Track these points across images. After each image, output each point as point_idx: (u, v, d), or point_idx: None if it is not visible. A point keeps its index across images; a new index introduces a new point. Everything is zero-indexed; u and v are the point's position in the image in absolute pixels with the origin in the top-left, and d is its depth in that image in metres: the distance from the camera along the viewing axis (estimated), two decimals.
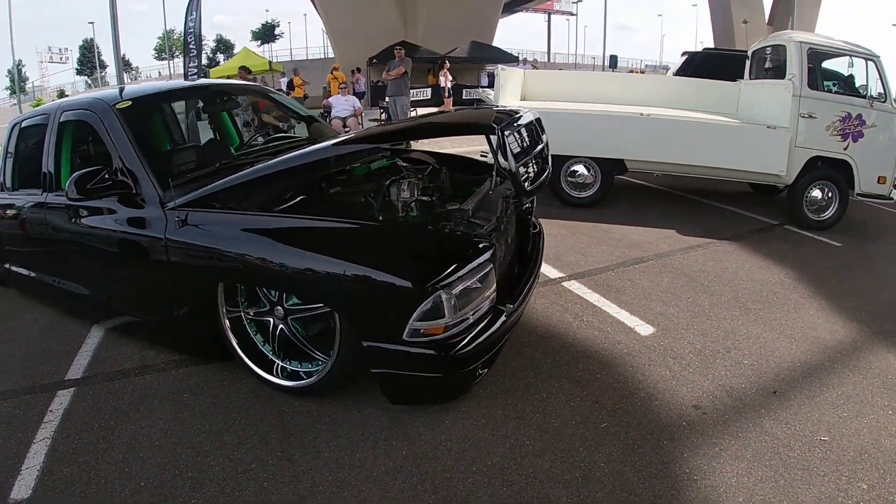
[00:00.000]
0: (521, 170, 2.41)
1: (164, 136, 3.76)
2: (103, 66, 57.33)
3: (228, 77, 20.30)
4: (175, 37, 55.53)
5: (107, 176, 2.66)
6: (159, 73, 48.09)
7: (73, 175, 2.64)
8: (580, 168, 5.90)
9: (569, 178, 5.94)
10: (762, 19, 34.20)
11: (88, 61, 49.14)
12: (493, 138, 2.25)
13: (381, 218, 2.48)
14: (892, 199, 5.58)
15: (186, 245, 2.53)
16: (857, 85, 5.65)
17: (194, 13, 10.12)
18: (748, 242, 5.08)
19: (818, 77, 5.57)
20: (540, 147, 2.71)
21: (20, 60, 41.55)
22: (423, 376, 2.20)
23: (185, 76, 10.45)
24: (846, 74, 5.84)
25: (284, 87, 16.42)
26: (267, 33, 55.61)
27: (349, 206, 2.67)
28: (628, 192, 6.96)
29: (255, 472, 2.18)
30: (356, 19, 21.88)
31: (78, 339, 3.38)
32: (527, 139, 2.62)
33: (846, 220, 5.66)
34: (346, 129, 9.68)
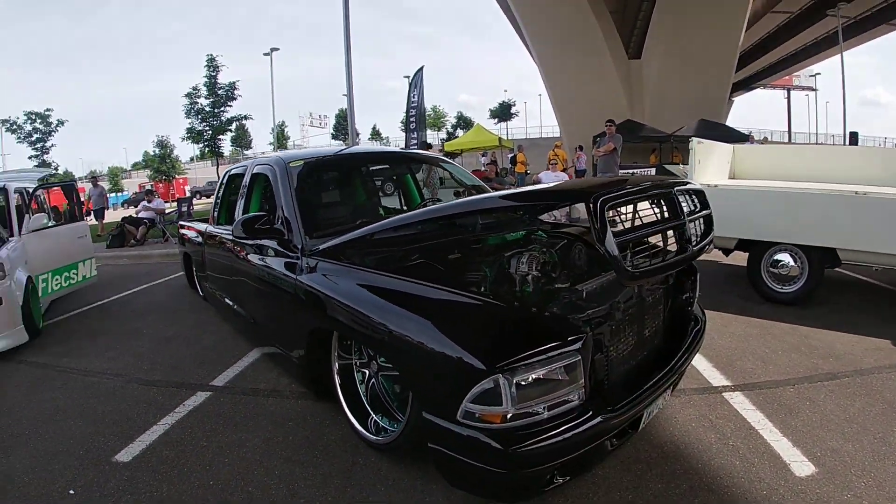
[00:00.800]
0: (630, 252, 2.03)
1: (322, 194, 3.90)
2: (357, 134, 69.05)
3: (461, 150, 23.19)
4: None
5: (267, 221, 3.06)
6: (402, 143, 55.70)
7: (241, 217, 3.11)
8: (785, 257, 4.81)
9: (770, 269, 4.89)
10: None
11: (343, 128, 58.84)
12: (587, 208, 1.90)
13: (483, 290, 2.22)
14: None
15: (310, 290, 2.71)
16: None
17: (416, 90, 11.46)
18: None
19: None
20: (675, 224, 2.25)
21: (283, 122, 52.10)
22: (480, 467, 1.89)
23: (406, 145, 11.77)
24: None
25: (509, 163, 17.47)
26: (503, 112, 59.52)
27: (462, 274, 2.41)
28: (843, 288, 5.47)
29: None
30: (581, 97, 22.36)
31: (237, 356, 3.97)
32: (654, 212, 2.27)
33: None
34: None
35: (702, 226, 2.55)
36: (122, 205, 30.47)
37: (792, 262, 4.77)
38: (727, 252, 5.29)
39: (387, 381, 2.52)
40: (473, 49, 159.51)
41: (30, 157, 16.84)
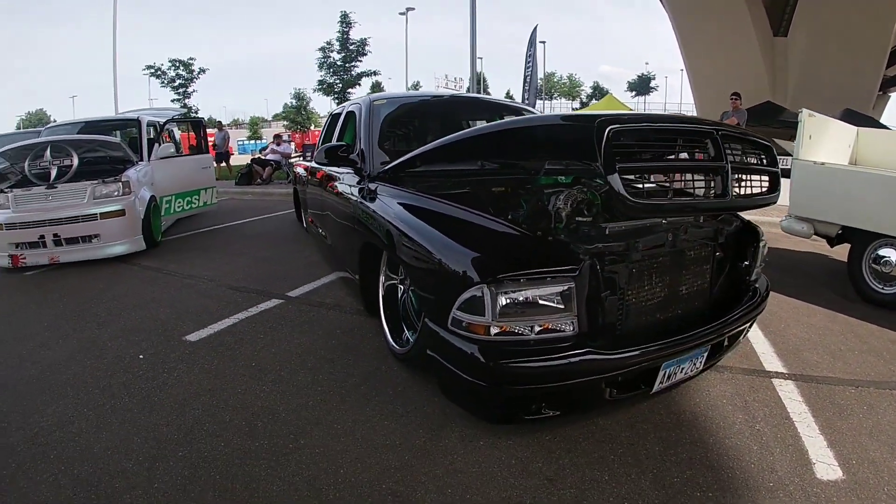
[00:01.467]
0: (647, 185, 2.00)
1: (398, 131, 3.99)
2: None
3: None
4: (555, 80, 62.21)
5: (346, 150, 3.37)
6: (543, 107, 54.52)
7: (324, 146, 3.45)
8: (891, 253, 4.17)
9: (872, 265, 4.27)
10: None
11: (477, 91, 59.04)
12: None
13: (511, 217, 2.21)
14: None
15: (365, 210, 2.96)
16: None
17: (531, 50, 11.33)
18: None
19: None
20: (708, 166, 2.08)
21: (418, 81, 53.25)
22: (466, 379, 1.98)
23: (522, 100, 11.74)
24: None
25: None
26: (642, 85, 56.99)
27: (500, 202, 2.40)
28: None
29: (314, 394, 2.54)
30: (720, 73, 20.42)
31: (317, 276, 4.47)
32: (682, 149, 2.12)
33: None
34: None
35: (764, 184, 2.35)
36: (260, 152, 33.68)
37: None
38: (832, 242, 4.71)
39: (414, 295, 2.64)
40: (617, 17, 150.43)
41: (172, 101, 18.76)
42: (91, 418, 2.37)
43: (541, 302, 1.87)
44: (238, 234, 6.61)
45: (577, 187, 2.18)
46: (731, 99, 8.92)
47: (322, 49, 18.25)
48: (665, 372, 2.08)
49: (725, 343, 2.39)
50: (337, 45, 18.03)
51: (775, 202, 2.39)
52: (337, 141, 4.13)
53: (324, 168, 4.22)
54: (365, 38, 17.95)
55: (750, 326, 2.65)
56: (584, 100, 55.57)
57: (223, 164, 13.91)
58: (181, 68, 18.65)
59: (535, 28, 11.22)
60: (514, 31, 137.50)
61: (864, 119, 17.52)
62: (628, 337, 2.06)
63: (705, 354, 2.24)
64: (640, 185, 2.17)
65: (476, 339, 1.91)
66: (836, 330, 3.69)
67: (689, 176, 2.06)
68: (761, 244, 2.61)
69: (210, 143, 10.18)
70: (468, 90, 17.53)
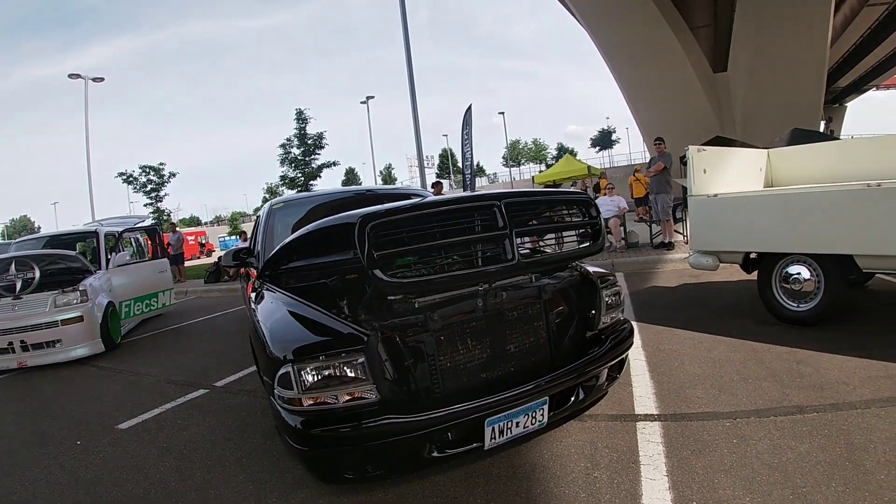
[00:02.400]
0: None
1: (289, 229, 3.85)
2: (459, 172, 71.82)
3: (553, 181, 22.85)
4: (520, 146, 64.83)
5: (247, 251, 3.68)
6: (504, 178, 55.85)
7: (231, 248, 3.82)
8: (798, 269, 4.19)
9: (783, 284, 4.35)
10: None
11: (446, 167, 60.50)
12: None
13: (326, 304, 2.46)
14: None
15: (248, 306, 3.26)
16: None
17: (466, 129, 11.77)
18: None
19: None
20: (489, 235, 2.29)
21: (390, 164, 55.11)
22: (293, 445, 2.18)
23: (464, 181, 12.13)
24: None
25: (591, 190, 17.30)
26: (604, 139, 58.85)
27: (323, 292, 2.64)
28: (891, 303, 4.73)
29: (203, 467, 2.80)
30: (667, 116, 21.28)
31: (246, 366, 4.63)
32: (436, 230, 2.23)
33: None
34: (608, 230, 9.59)
35: (584, 236, 2.57)
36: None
37: (807, 276, 4.16)
38: (746, 269, 4.74)
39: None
40: (577, 77, 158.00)
41: (145, 205, 19.75)
42: (29, 490, 2.89)
43: (340, 375, 2.09)
44: (193, 331, 6.93)
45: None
46: (655, 144, 9.36)
47: (282, 145, 19.37)
48: (493, 428, 2.17)
49: (580, 394, 2.47)
50: (296, 141, 19.14)
51: (599, 251, 2.58)
52: (250, 241, 4.37)
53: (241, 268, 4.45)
54: (322, 133, 19.16)
55: (616, 372, 2.71)
56: (550, 161, 57.42)
57: (176, 265, 14.01)
58: (151, 173, 19.64)
59: (469, 108, 11.72)
60: (481, 104, 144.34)
61: (812, 135, 17.95)
62: (452, 397, 2.17)
63: (545, 407, 2.28)
64: (420, 266, 2.31)
65: (293, 410, 2.13)
66: (737, 359, 3.67)
67: (473, 247, 2.34)
68: (603, 294, 2.67)
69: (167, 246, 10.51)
70: (443, 169, 18.26)
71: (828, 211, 3.98)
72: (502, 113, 42.38)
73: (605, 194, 10.36)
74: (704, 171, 4.85)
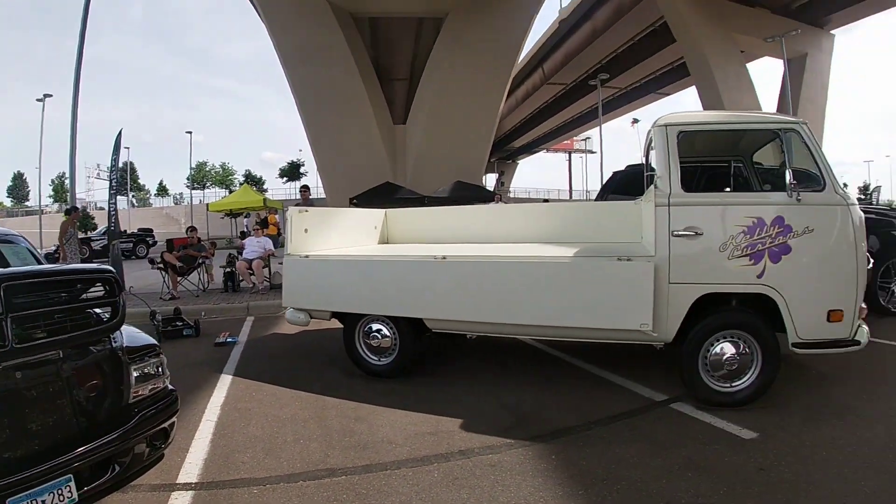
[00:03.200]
0: None
1: None
2: (140, 188, 62.96)
3: (230, 210, 21.71)
4: (206, 168, 61.40)
5: None
6: (190, 200, 50.51)
7: None
8: (379, 327, 4.44)
9: (365, 339, 4.50)
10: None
11: (125, 181, 52.78)
12: None
13: None
14: (859, 343, 3.46)
15: None
16: (772, 174, 4.17)
17: (115, 154, 10.18)
18: (589, 442, 3.17)
19: (700, 173, 4.20)
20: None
21: (62, 173, 45.80)
22: None
23: (108, 211, 10.14)
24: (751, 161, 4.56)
25: (248, 226, 16.39)
26: (293, 171, 58.73)
27: None
28: (483, 349, 5.29)
29: None
30: (345, 160, 22.18)
31: None
32: None
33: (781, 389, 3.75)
34: (250, 272, 9.05)
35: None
36: None
37: (386, 333, 4.38)
38: (342, 320, 4.77)
39: None
40: (277, 106, 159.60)
41: None
42: None
43: None
44: None
45: None
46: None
47: None
48: None
49: (115, 468, 2.44)
50: None
51: (117, 328, 2.60)
52: None
53: None
54: None
55: (161, 441, 2.66)
56: (234, 188, 56.06)
57: None
58: None
59: (120, 132, 10.28)
60: (180, 118, 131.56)
61: (470, 187, 21.70)
62: None
63: (71, 484, 2.25)
64: None
65: None
66: (303, 417, 3.69)
67: None
68: (132, 368, 2.64)
69: None
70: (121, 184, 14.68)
71: (399, 277, 4.25)
72: (189, 132, 38.62)
73: (255, 233, 9.95)
74: (306, 231, 4.80)
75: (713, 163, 5.10)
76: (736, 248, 3.45)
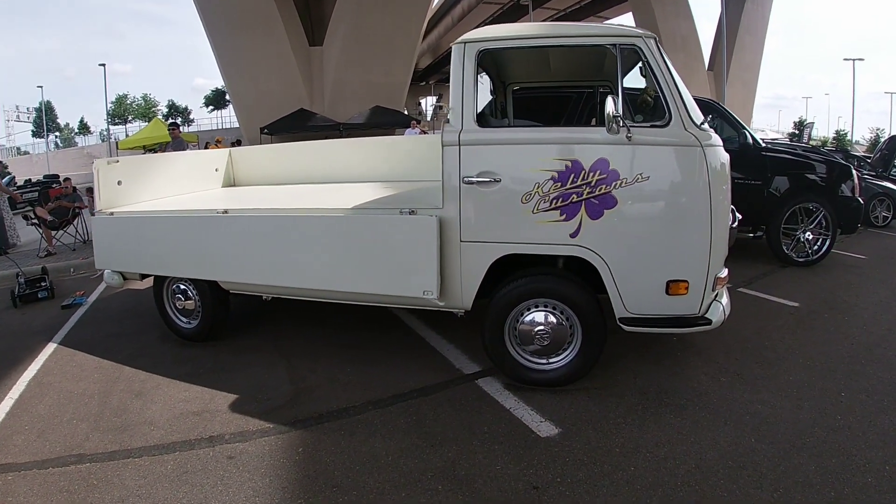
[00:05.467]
0: None
1: None
2: (59, 129, 58.42)
3: (144, 147, 19.79)
4: (128, 101, 57.33)
5: None
6: (108, 137, 46.76)
7: None
8: (184, 287, 4.14)
9: (172, 301, 4.24)
10: (702, 66, 29.52)
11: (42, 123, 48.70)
12: None
13: None
14: (709, 322, 2.83)
15: None
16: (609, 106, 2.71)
17: None
18: (354, 430, 2.86)
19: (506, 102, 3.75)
20: None
21: None
22: None
23: None
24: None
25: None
26: (219, 99, 54.25)
27: None
28: (316, 306, 4.27)
29: None
30: (258, 87, 20.61)
31: None
32: None
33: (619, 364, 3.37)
34: None
35: None
36: None
37: (190, 294, 4.09)
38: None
39: None
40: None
41: None
42: None
43: None
44: None
45: None
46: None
47: None
48: None
49: None
50: None
51: None
52: None
53: None
54: None
55: None
56: (162, 119, 52.75)
57: None
58: None
59: None
60: (106, 48, 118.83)
61: (389, 112, 20.24)
62: None
63: None
64: None
65: None
66: (90, 392, 3.50)
67: None
68: None
69: None
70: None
71: (186, 234, 3.84)
72: (103, 64, 34.66)
73: None
74: (119, 184, 4.28)
75: (568, 92, 4.63)
76: (543, 198, 2.81)
